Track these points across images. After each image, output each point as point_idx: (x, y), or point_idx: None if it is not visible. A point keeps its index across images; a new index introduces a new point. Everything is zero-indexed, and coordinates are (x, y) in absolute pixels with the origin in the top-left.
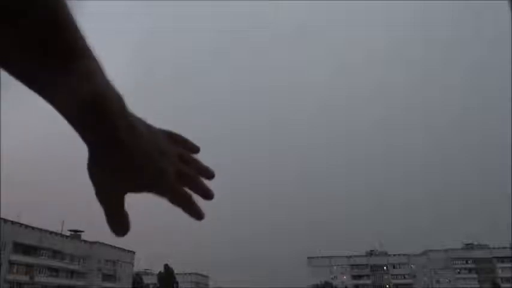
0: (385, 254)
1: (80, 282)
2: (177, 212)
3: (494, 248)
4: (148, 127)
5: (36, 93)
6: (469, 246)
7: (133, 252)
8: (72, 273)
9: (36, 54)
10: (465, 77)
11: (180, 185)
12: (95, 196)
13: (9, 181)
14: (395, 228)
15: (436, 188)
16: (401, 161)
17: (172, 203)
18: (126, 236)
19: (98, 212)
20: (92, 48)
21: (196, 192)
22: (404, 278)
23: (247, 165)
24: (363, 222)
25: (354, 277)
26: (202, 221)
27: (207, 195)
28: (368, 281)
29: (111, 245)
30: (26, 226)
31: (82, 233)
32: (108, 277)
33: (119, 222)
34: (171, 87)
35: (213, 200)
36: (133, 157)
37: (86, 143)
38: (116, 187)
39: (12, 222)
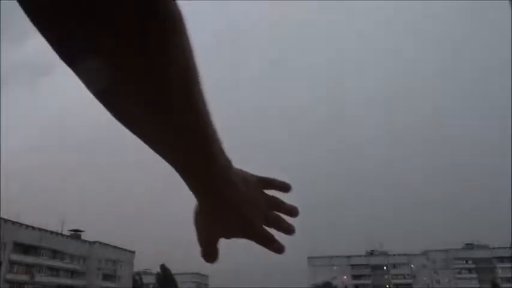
0: (385, 254)
1: (80, 282)
2: (178, 212)
3: (494, 248)
4: (244, 177)
5: (148, 145)
6: (469, 246)
7: (133, 252)
8: (72, 273)
9: (180, 139)
10: (465, 76)
11: (265, 230)
12: (98, 195)
13: (9, 181)
14: (395, 228)
15: (436, 188)
16: (402, 161)
17: (258, 243)
18: (126, 236)
19: (98, 212)
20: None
21: (279, 230)
22: (405, 278)
23: (246, 162)
24: (363, 222)
25: (354, 277)
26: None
27: (289, 232)
28: (368, 281)
29: (111, 245)
30: (26, 226)
31: (82, 233)
32: (108, 277)
33: (211, 256)
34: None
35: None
36: (232, 211)
37: (194, 193)
38: (214, 233)
39: (13, 222)
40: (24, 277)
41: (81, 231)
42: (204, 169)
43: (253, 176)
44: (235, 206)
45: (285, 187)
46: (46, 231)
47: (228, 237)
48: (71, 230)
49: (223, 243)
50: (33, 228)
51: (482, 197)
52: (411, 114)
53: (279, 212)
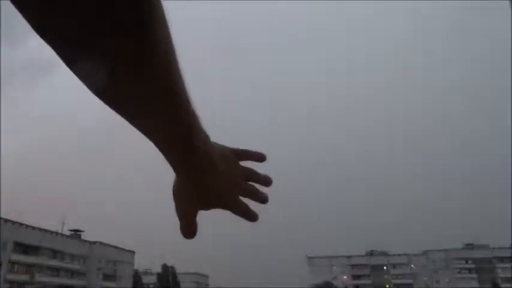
0: (385, 254)
1: (80, 282)
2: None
3: (494, 248)
4: (220, 151)
5: (138, 129)
6: (469, 246)
7: (133, 252)
8: (72, 273)
9: (152, 102)
10: (465, 76)
11: (241, 200)
12: (98, 195)
13: (9, 181)
14: (395, 228)
15: (436, 188)
16: (402, 160)
17: (234, 214)
18: (126, 236)
19: (97, 212)
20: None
21: (255, 200)
22: (405, 278)
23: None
24: (363, 222)
25: (354, 277)
26: (203, 221)
27: (263, 201)
28: (368, 281)
29: (111, 245)
30: (26, 226)
31: (82, 233)
32: (108, 277)
33: (189, 229)
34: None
35: None
36: (211, 184)
37: (173, 169)
38: (192, 206)
39: (13, 222)
40: (24, 277)
41: (81, 231)
42: (183, 142)
43: (227, 148)
44: (213, 178)
45: (259, 157)
46: (46, 231)
47: (207, 208)
48: (71, 230)
49: (222, 244)
50: (33, 228)
51: (482, 197)
52: (412, 115)
53: (254, 182)
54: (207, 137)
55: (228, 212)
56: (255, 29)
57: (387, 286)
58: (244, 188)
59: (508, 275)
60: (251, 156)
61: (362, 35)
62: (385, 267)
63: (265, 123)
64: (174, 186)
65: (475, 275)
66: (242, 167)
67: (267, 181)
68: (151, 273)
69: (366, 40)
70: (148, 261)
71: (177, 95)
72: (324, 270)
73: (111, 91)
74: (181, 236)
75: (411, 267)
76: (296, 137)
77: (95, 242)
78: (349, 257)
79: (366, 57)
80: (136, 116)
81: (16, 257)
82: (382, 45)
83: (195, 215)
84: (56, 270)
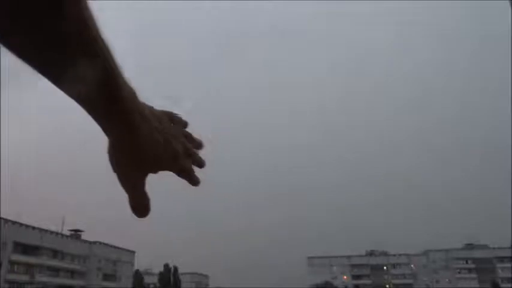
0: (385, 254)
1: (80, 282)
2: (178, 212)
3: (494, 248)
4: (151, 109)
5: (55, 84)
6: (469, 246)
7: (134, 252)
8: (72, 273)
9: (58, 51)
10: (465, 76)
11: (185, 160)
12: (98, 195)
13: (9, 181)
14: (395, 228)
15: (436, 188)
16: (402, 160)
17: (179, 176)
18: (126, 236)
19: (97, 212)
20: (108, 45)
21: (194, 164)
22: (405, 278)
23: (246, 163)
24: (363, 222)
25: (354, 277)
26: (203, 221)
27: (202, 165)
28: (368, 281)
29: (111, 245)
30: (26, 226)
31: (82, 233)
32: (108, 277)
33: (139, 203)
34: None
35: (213, 200)
36: (147, 141)
37: (104, 131)
38: (136, 170)
39: (13, 222)
40: (24, 277)
41: (81, 231)
42: (108, 93)
43: (155, 109)
44: (148, 134)
45: (187, 125)
46: (46, 231)
47: (151, 169)
48: (71, 230)
49: (222, 244)
50: (33, 228)
51: (482, 197)
52: (412, 115)
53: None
54: (134, 92)
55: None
56: (255, 29)
57: (387, 286)
58: (189, 149)
59: (508, 275)
60: (177, 119)
61: (362, 34)
62: (385, 267)
63: (265, 123)
64: (109, 153)
65: (475, 275)
66: (175, 126)
67: (201, 144)
68: (152, 273)
69: (366, 39)
70: (148, 261)
71: (94, 39)
72: (324, 270)
73: (16, 34)
74: (180, 238)
75: (411, 267)
76: (296, 137)
77: (95, 242)
78: (349, 257)
79: (365, 56)
80: (49, 62)
81: (16, 257)
82: (382, 45)
83: (143, 184)
84: (56, 270)
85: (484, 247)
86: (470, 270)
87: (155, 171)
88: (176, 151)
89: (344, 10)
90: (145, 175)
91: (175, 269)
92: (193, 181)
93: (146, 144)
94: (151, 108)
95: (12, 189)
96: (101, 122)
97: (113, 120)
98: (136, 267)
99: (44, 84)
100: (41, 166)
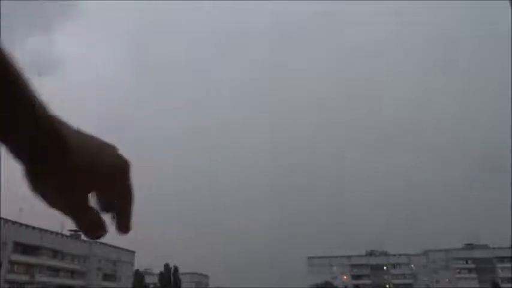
0: (385, 254)
1: (80, 282)
2: (178, 212)
3: (494, 248)
4: (97, 145)
5: None
6: (469, 246)
7: (134, 252)
8: (72, 273)
9: None
10: (465, 76)
11: (92, 209)
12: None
13: (9, 181)
14: (395, 228)
15: (436, 188)
16: (401, 160)
17: (75, 224)
18: (126, 236)
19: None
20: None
21: (118, 222)
22: (405, 278)
23: (246, 162)
24: (363, 222)
25: (354, 277)
26: (203, 221)
27: (123, 230)
28: (368, 281)
29: (111, 245)
30: (26, 226)
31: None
32: (108, 277)
33: (93, 223)
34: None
35: (213, 201)
36: (85, 155)
37: (20, 159)
38: (75, 188)
39: (13, 222)
40: (24, 277)
41: None
42: (26, 127)
43: (117, 157)
44: (87, 150)
45: (122, 225)
46: (46, 231)
47: (99, 182)
48: (71, 230)
49: (222, 244)
50: (33, 228)
51: (482, 197)
52: (412, 114)
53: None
54: (56, 120)
55: None
56: (254, 29)
57: (387, 286)
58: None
59: (508, 275)
60: (118, 212)
61: (362, 33)
62: (385, 267)
63: (265, 123)
64: (33, 183)
65: (475, 275)
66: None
67: (124, 226)
68: (152, 273)
69: (366, 39)
70: (148, 261)
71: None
72: (324, 270)
73: None
74: (179, 238)
75: (411, 267)
76: (296, 137)
77: (94, 242)
78: (349, 257)
79: (365, 56)
80: None
81: (16, 257)
82: (382, 45)
83: (87, 200)
84: (56, 270)
85: (484, 247)
86: (470, 270)
87: (100, 184)
88: (85, 207)
89: (344, 10)
90: (88, 191)
91: (176, 269)
92: (92, 234)
93: (83, 157)
94: (98, 145)
95: (12, 189)
96: (15, 146)
97: (42, 142)
98: (136, 267)
99: (44, 83)
100: None
